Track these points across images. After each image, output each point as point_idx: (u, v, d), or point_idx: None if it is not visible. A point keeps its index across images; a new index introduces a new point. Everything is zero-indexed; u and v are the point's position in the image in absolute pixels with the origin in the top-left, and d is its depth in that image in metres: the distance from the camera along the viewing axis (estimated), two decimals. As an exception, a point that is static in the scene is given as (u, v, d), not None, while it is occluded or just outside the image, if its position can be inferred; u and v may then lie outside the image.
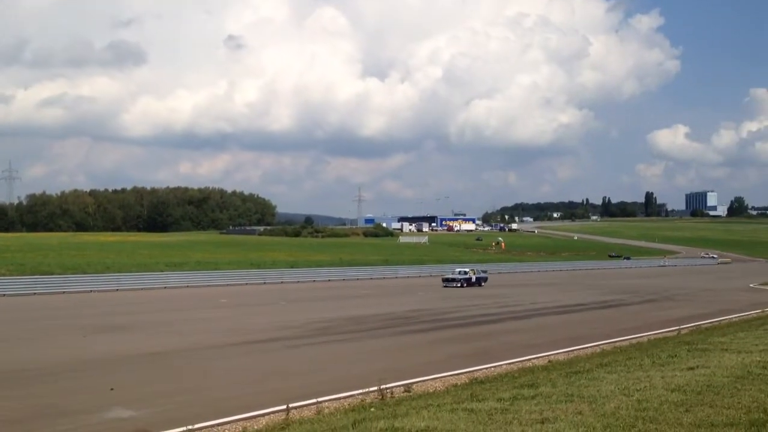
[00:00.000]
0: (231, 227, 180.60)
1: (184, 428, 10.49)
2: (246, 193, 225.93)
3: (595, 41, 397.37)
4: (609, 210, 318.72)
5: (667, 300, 38.92)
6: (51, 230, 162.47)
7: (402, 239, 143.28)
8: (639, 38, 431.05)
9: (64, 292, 39.55)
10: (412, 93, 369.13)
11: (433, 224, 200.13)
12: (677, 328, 23.47)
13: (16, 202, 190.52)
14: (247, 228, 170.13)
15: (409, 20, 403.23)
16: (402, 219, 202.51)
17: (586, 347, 19.90)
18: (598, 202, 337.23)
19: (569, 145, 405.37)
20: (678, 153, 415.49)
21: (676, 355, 14.64)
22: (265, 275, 53.00)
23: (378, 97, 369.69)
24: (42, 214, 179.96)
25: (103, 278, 44.57)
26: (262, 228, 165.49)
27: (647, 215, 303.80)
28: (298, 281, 52.28)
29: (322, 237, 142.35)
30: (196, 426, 10.67)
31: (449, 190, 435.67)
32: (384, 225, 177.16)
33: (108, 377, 15.23)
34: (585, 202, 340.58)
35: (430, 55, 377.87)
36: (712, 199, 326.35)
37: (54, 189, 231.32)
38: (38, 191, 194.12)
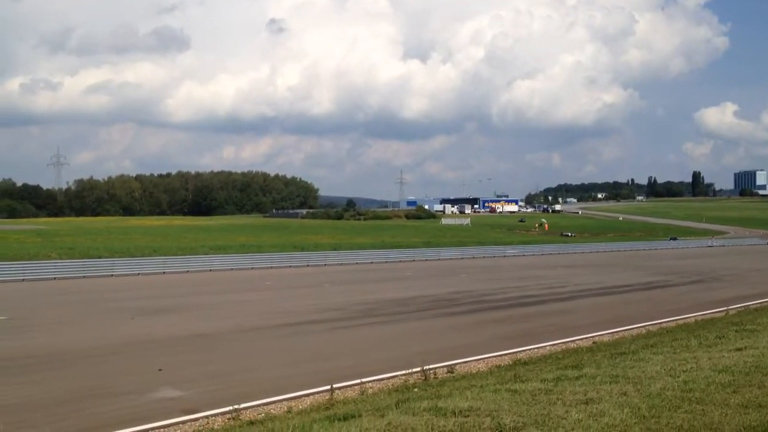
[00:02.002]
0: (274, 211, 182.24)
1: (231, 408, 10.64)
2: (288, 176, 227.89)
3: (641, 19, 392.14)
4: (655, 190, 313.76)
5: (714, 281, 38.28)
6: (99, 215, 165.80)
7: (444, 221, 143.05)
8: (686, 15, 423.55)
9: (112, 275, 40.25)
10: (454, 74, 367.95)
11: (476, 206, 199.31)
12: (725, 308, 23.12)
13: (64, 187, 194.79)
14: (290, 211, 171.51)
15: (450, 0, 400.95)
16: (444, 201, 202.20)
17: (632, 328, 19.70)
18: (644, 182, 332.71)
19: (614, 124, 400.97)
20: (726, 131, 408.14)
21: (723, 336, 14.44)
22: (309, 258, 53.31)
23: (419, 79, 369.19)
24: (90, 199, 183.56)
25: (150, 261, 45.20)
26: (304, 211, 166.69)
27: (694, 195, 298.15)
28: (341, 264, 52.46)
29: (365, 220, 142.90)
30: (243, 405, 10.82)
31: (491, 171, 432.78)
32: (426, 207, 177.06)
33: (155, 358, 15.49)
34: (630, 183, 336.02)
35: (473, 35, 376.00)
36: (761, 178, 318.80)
37: (101, 174, 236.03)
38: (86, 176, 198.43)
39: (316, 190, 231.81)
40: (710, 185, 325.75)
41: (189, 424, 10.41)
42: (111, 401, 11.78)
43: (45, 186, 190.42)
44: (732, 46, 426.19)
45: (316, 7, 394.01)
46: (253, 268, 47.11)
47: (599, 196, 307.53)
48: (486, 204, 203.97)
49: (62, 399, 11.95)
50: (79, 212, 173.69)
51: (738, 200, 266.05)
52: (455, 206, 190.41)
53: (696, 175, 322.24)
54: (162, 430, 10.14)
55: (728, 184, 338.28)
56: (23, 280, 36.96)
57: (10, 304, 27.39)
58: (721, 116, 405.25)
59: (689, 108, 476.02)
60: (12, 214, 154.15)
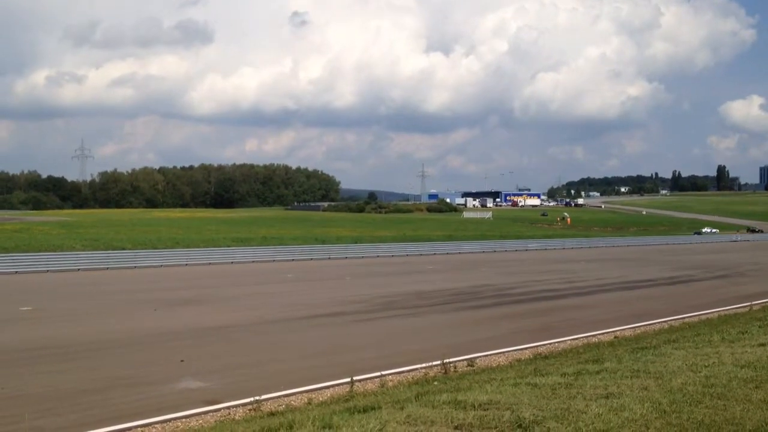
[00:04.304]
0: (296, 203, 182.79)
1: (252, 399, 10.73)
2: (310, 169, 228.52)
3: (667, 11, 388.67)
4: (679, 184, 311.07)
5: (738, 275, 37.93)
6: (122, 207, 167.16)
7: (466, 215, 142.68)
8: (713, 7, 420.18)
9: (135, 266, 40.58)
10: (477, 67, 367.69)
11: (498, 199, 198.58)
12: (749, 304, 22.92)
13: (89, 179, 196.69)
14: (312, 204, 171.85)
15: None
16: (466, 194, 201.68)
17: (654, 323, 19.61)
18: (668, 176, 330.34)
19: (638, 118, 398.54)
20: (752, 124, 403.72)
21: (746, 332, 14.33)
22: (330, 250, 53.38)
23: (442, 72, 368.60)
24: (114, 191, 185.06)
25: (173, 253, 45.46)
26: (326, 204, 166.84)
27: (719, 189, 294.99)
28: (362, 257, 52.49)
29: (386, 213, 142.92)
30: (263, 397, 10.89)
31: (514, 165, 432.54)
32: (447, 200, 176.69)
33: (178, 350, 15.62)
34: (654, 176, 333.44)
35: (496, 28, 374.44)
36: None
37: (125, 166, 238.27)
38: (110, 169, 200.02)
39: (338, 183, 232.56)
40: (735, 179, 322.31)
41: (210, 414, 10.50)
42: (134, 391, 11.91)
43: (70, 178, 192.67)
44: (759, 39, 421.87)
45: (339, 0, 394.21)
46: (274, 260, 47.30)
47: (622, 190, 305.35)
48: (508, 197, 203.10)
49: (86, 389, 12.09)
50: (103, 204, 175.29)
51: (763, 194, 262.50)
52: (477, 200, 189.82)
53: (721, 169, 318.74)
54: (184, 420, 10.24)
55: (754, 178, 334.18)
56: (48, 271, 37.38)
57: (34, 294, 27.73)
58: (747, 109, 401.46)
59: (715, 101, 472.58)
60: (37, 205, 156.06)
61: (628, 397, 8.21)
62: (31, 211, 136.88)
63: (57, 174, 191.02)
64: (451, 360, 13.14)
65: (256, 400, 10.65)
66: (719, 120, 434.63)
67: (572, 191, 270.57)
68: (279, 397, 11.31)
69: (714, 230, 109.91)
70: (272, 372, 13.50)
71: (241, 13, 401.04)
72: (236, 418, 10.18)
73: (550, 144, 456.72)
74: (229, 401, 11.04)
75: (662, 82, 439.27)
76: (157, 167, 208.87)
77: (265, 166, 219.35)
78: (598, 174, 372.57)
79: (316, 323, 20.20)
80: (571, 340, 16.85)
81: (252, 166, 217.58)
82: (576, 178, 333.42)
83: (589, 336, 17.35)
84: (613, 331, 17.96)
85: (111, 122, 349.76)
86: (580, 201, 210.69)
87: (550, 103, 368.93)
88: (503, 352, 15.16)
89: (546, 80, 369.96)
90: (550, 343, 16.32)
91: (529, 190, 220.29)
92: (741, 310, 21.86)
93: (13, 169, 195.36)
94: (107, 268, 39.49)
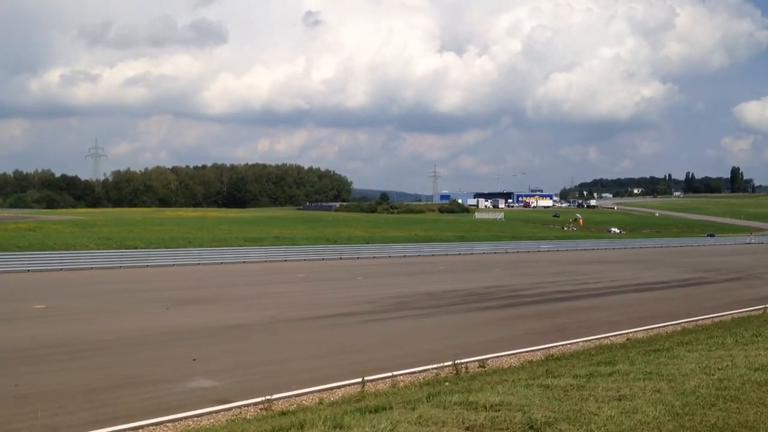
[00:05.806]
0: (308, 203, 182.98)
1: (263, 398, 10.74)
2: (322, 169, 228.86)
3: (682, 12, 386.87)
4: (692, 186, 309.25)
5: (752, 278, 37.70)
6: (135, 206, 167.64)
7: (477, 215, 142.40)
8: (728, 8, 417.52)
9: (147, 265, 40.69)
10: (490, 67, 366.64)
11: (510, 200, 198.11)
12: (763, 306, 22.77)
13: (102, 178, 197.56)
14: (324, 204, 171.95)
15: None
16: (478, 195, 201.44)
17: (667, 325, 19.51)
18: (681, 177, 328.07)
19: (652, 119, 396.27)
20: (767, 126, 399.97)
21: (760, 334, 14.25)
22: (342, 251, 53.40)
23: (455, 72, 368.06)
24: (127, 191, 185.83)
25: (185, 252, 45.57)
26: (338, 204, 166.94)
27: (733, 191, 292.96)
28: (374, 257, 52.47)
29: (398, 213, 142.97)
30: (275, 396, 10.91)
31: (526, 166, 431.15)
32: (459, 201, 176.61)
33: (190, 348, 15.66)
34: (667, 178, 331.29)
35: (510, 28, 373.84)
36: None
37: (138, 166, 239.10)
38: (123, 168, 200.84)
39: (350, 183, 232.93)
40: (749, 181, 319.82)
41: (222, 413, 10.52)
42: (146, 390, 11.95)
43: (83, 177, 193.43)
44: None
45: (353, 0, 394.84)
46: (286, 260, 47.36)
47: (635, 191, 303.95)
48: (520, 198, 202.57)
49: (99, 386, 12.13)
50: (117, 203, 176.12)
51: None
52: (489, 200, 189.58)
53: (735, 171, 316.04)
54: (195, 419, 10.26)
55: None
56: (61, 269, 37.56)
57: (48, 293, 27.87)
58: (761, 110, 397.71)
59: (729, 102, 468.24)
60: (51, 204, 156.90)
61: (640, 399, 8.17)
62: (45, 210, 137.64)
63: (70, 173, 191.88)
64: (462, 361, 13.13)
65: (268, 399, 10.67)
66: (733, 121, 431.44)
67: (585, 192, 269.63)
68: (290, 396, 11.33)
69: None
70: (284, 371, 13.52)
71: (255, 13, 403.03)
72: (248, 417, 10.19)
73: (563, 145, 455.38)
74: (241, 400, 11.07)
75: (676, 83, 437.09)
76: (170, 166, 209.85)
77: (277, 166, 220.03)
78: (610, 175, 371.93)
79: (327, 323, 20.21)
80: (583, 341, 16.79)
81: (264, 166, 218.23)
82: (589, 180, 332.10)
83: (602, 338, 17.29)
84: (625, 333, 17.89)
85: (124, 121, 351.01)
86: (593, 202, 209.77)
87: (563, 103, 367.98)
88: (515, 354, 15.14)
89: (559, 81, 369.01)
90: (562, 345, 16.28)
91: (542, 191, 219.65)
92: (755, 313, 21.73)
93: (27, 168, 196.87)
94: (120, 267, 39.63)
